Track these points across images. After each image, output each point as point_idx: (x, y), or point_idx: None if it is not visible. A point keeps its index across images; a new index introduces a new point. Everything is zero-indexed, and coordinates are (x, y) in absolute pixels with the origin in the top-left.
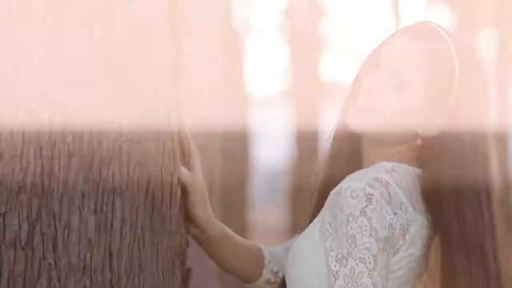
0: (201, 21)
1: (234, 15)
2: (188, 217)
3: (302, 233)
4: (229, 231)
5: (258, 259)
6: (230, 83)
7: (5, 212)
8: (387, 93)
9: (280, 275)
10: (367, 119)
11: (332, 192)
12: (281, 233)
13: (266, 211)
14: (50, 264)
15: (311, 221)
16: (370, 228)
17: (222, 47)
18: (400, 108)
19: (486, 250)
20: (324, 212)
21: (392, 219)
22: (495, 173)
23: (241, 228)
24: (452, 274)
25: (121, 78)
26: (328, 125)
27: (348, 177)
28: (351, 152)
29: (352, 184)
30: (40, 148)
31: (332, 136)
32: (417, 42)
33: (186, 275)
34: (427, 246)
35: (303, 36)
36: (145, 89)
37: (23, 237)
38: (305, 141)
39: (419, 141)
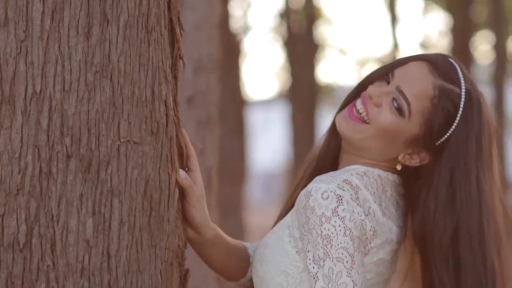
0: (199, 23)
1: (231, 16)
2: (184, 219)
3: (271, 231)
4: (221, 233)
5: (244, 258)
6: (227, 85)
7: (3, 214)
8: (387, 110)
9: None
10: (356, 126)
11: (302, 193)
12: None
13: (262, 213)
14: (48, 265)
15: (283, 216)
16: (344, 227)
17: (219, 49)
18: (393, 130)
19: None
20: (294, 212)
21: (363, 220)
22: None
23: (238, 231)
24: (431, 280)
25: (119, 80)
26: (324, 126)
27: (317, 178)
28: (336, 150)
29: (322, 186)
30: (39, 150)
31: (325, 131)
32: (431, 76)
33: (184, 276)
34: (395, 251)
35: (299, 38)
36: (143, 91)
37: (21, 238)
38: (301, 144)
39: (399, 167)
